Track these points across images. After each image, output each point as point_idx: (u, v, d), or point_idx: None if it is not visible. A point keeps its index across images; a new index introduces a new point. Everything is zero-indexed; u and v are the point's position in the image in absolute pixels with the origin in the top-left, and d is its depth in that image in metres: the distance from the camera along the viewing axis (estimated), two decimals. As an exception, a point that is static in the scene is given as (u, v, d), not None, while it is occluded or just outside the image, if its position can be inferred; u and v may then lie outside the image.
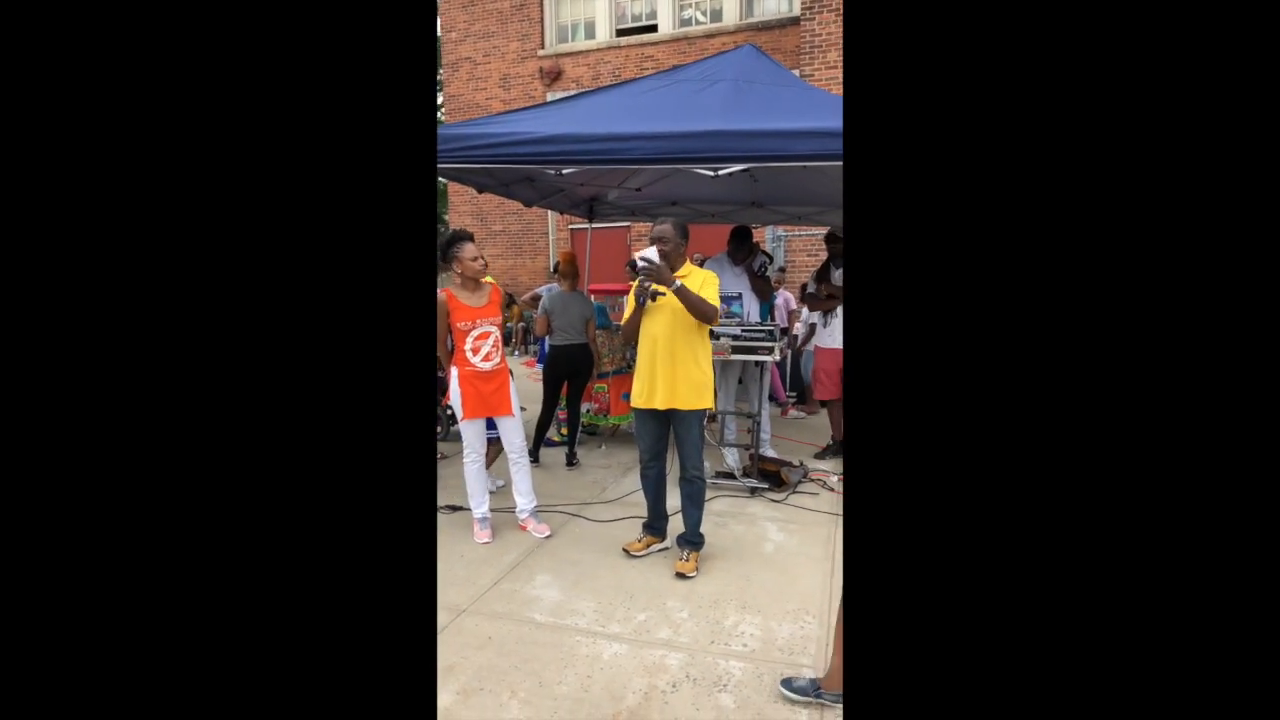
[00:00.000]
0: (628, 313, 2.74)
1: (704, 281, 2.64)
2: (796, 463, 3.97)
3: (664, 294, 2.61)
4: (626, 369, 4.56)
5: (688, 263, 2.72)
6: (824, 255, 7.74)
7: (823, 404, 4.45)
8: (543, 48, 10.19)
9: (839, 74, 7.30)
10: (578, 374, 4.13)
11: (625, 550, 2.85)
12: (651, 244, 2.65)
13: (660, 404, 2.67)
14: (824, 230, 6.91)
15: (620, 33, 9.84)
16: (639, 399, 2.73)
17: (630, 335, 2.78)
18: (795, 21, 8.27)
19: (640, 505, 2.97)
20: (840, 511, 3.36)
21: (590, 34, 10.04)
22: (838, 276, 4.07)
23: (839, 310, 4.08)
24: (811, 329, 5.53)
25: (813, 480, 3.81)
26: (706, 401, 2.69)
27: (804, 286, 5.80)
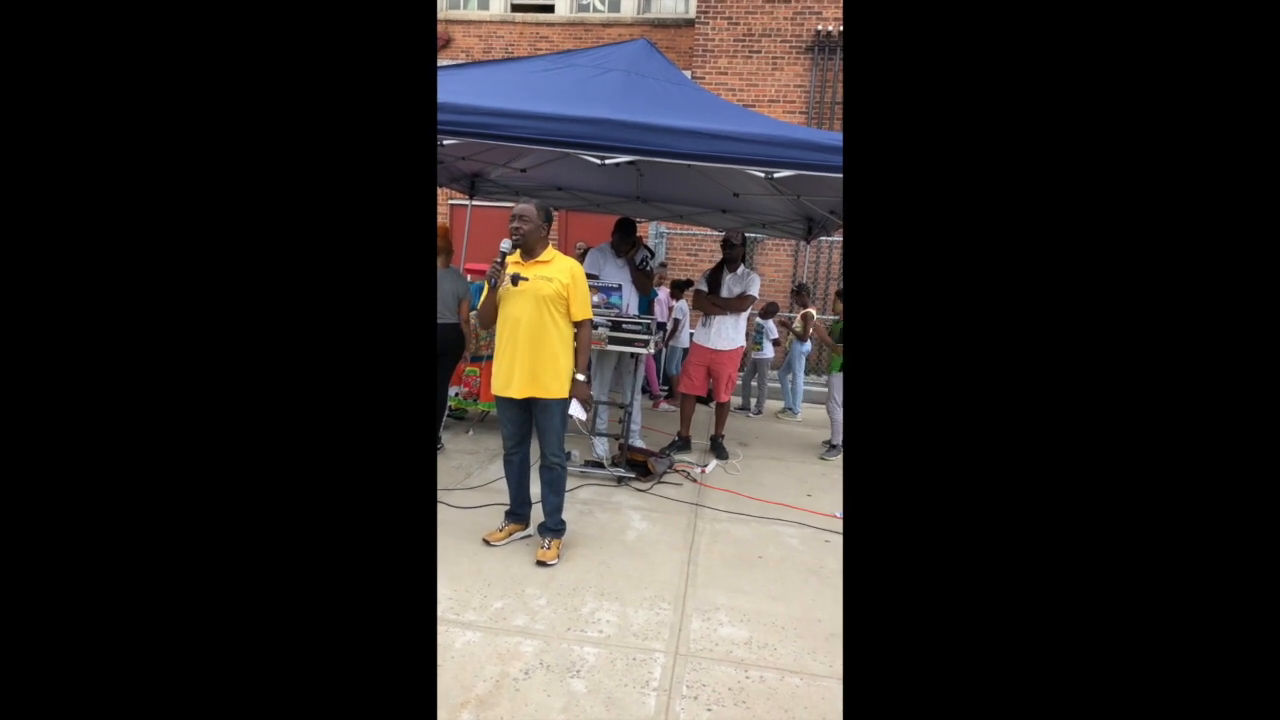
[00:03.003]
0: (484, 295, 2.68)
1: (573, 278, 2.59)
2: (663, 453, 4.06)
3: (526, 279, 2.57)
4: None
5: (550, 248, 2.67)
6: (704, 255, 8.03)
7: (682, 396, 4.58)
8: (432, 11, 9.69)
9: (727, 80, 7.55)
10: (446, 354, 3.97)
11: (485, 540, 2.78)
12: (510, 223, 2.59)
13: (517, 393, 2.60)
14: (704, 231, 7.15)
15: (515, 8, 9.56)
16: (498, 387, 2.65)
17: (487, 318, 2.71)
18: (690, 24, 8.44)
19: (505, 492, 2.92)
20: (699, 501, 3.48)
21: (484, 4, 9.67)
22: (730, 279, 4.19)
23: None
24: (676, 324, 5.69)
25: (677, 471, 3.92)
26: (568, 391, 2.66)
27: (677, 283, 5.95)
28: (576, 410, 2.62)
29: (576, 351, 2.64)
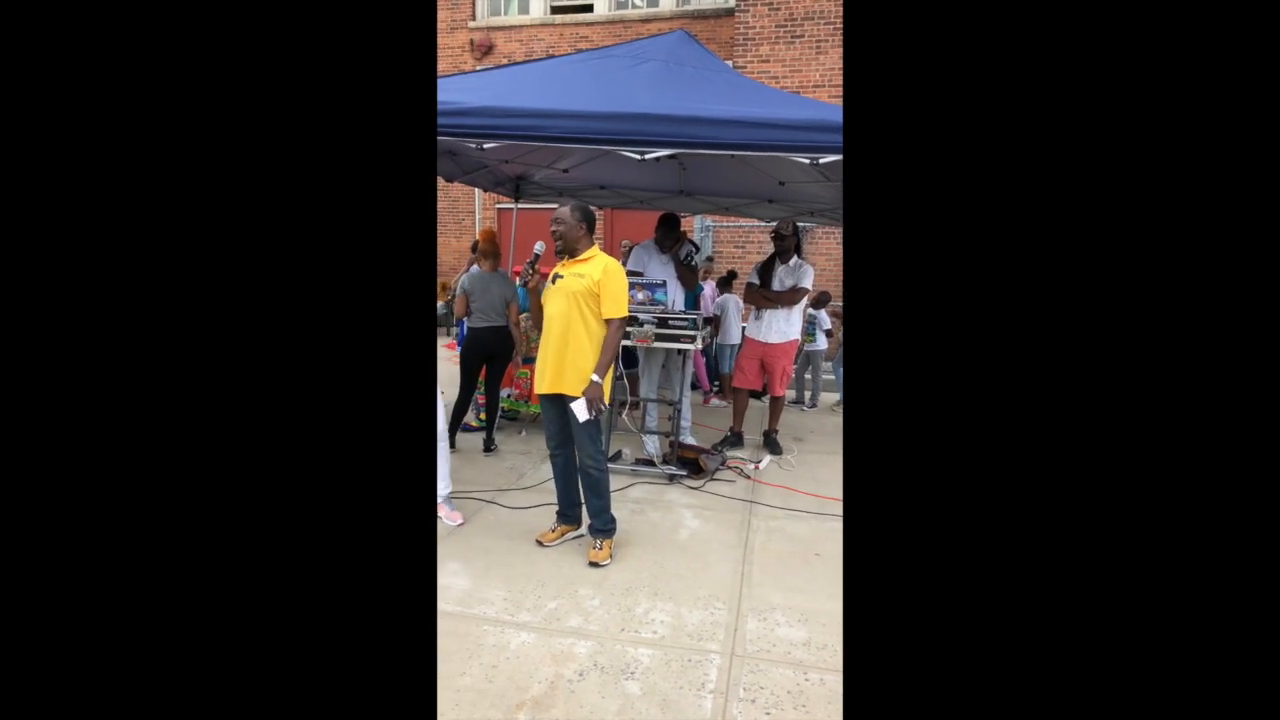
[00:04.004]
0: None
1: (605, 273, 2.56)
2: (715, 450, 4.01)
3: (563, 278, 2.56)
4: None
5: (594, 248, 2.66)
6: (752, 247, 7.90)
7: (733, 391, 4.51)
8: (474, 19, 9.84)
9: (770, 67, 7.40)
10: (496, 357, 4.02)
11: (538, 541, 2.79)
12: (551, 226, 2.59)
13: (548, 387, 2.62)
14: (752, 222, 7.02)
15: (555, 10, 9.62)
16: (537, 383, 2.68)
17: (537, 318, 2.75)
18: (730, 13, 8.31)
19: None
20: (753, 498, 3.41)
21: (524, 9, 9.77)
22: (782, 271, 4.10)
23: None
24: (713, 319, 5.61)
25: (730, 468, 3.86)
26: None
27: (723, 279, 5.86)
28: (580, 410, 2.55)
29: (602, 350, 2.59)
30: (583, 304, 2.55)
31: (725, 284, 5.80)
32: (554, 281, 2.59)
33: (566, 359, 2.57)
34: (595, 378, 2.55)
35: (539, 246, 2.62)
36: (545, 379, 2.63)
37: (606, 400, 2.63)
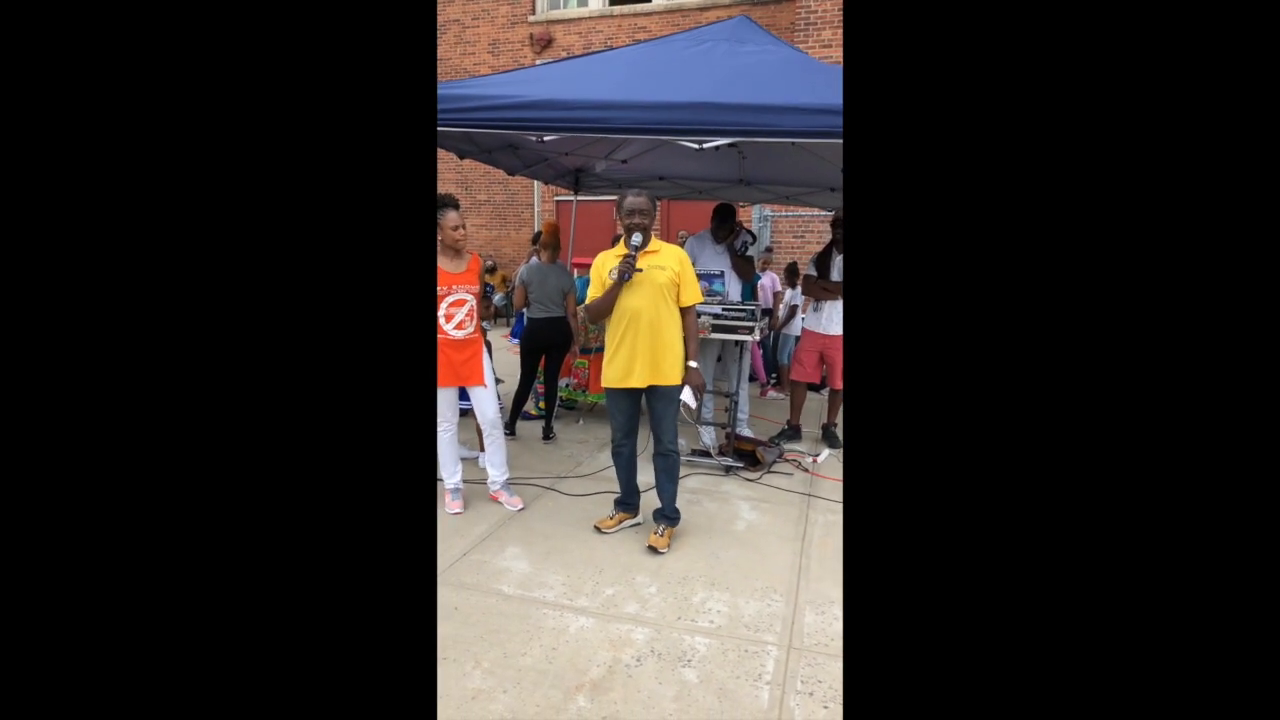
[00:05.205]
0: (594, 290, 2.66)
1: (682, 264, 2.61)
2: (772, 442, 3.97)
3: (640, 270, 2.57)
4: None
5: (655, 238, 2.68)
6: (812, 237, 7.75)
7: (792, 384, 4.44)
8: (534, 13, 9.96)
9: (833, 52, 7.22)
10: (554, 347, 4.08)
11: (596, 528, 2.84)
12: (628, 218, 2.58)
13: (639, 381, 2.62)
14: (812, 211, 6.89)
15: (614, 1, 9.64)
16: (615, 379, 2.65)
17: (600, 313, 2.66)
18: (791, -3, 8.14)
19: (614, 480, 2.96)
20: (811, 492, 3.37)
21: (583, 1, 9.82)
22: (839, 261, 4.01)
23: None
24: (792, 311, 5.50)
25: (787, 460, 3.82)
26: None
27: (790, 267, 5.77)
28: (688, 397, 2.63)
29: (687, 338, 2.64)
30: (667, 295, 2.59)
31: (792, 275, 5.70)
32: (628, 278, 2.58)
33: (659, 350, 2.60)
34: (693, 364, 2.63)
35: (637, 239, 2.58)
36: (634, 373, 2.60)
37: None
